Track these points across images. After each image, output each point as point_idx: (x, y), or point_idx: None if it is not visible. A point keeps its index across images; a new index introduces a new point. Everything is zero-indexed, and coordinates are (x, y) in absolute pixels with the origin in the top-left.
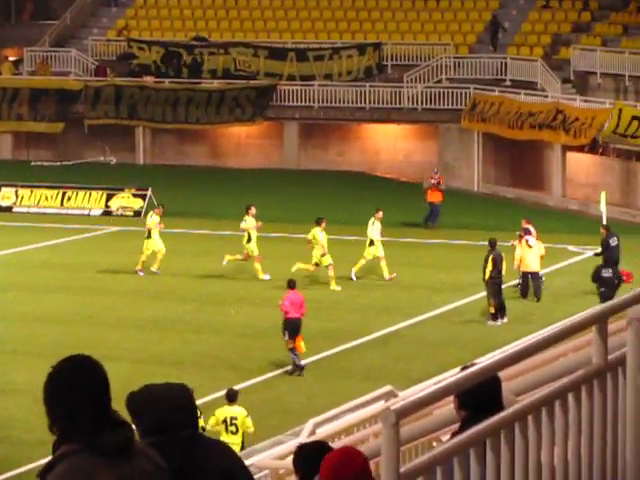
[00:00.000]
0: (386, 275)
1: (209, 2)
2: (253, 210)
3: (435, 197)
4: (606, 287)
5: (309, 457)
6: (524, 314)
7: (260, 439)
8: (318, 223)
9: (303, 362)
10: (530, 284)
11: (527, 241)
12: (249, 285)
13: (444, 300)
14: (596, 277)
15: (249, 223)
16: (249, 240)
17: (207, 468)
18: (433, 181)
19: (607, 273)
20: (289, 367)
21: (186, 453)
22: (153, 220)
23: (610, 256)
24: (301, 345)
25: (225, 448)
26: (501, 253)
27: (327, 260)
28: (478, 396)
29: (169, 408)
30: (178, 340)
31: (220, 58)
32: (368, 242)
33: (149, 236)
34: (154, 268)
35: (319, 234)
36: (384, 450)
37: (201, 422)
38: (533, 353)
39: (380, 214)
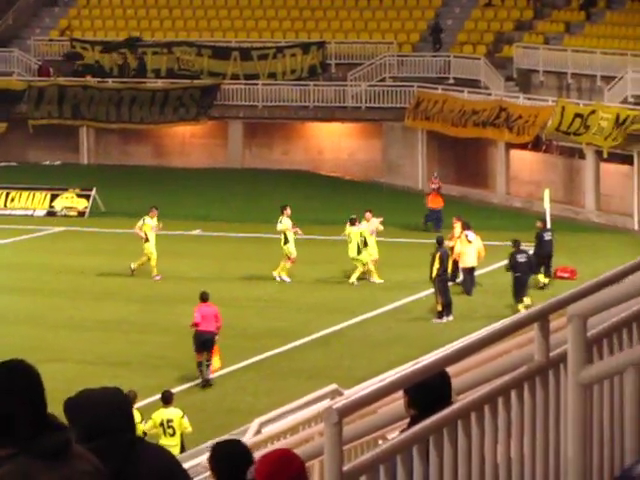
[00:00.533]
0: (376, 279)
1: (152, 1)
2: (288, 211)
3: (436, 202)
4: (521, 272)
5: (223, 457)
6: (469, 311)
7: (206, 438)
8: (352, 223)
9: (250, 360)
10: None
11: (466, 236)
12: (195, 285)
13: (390, 298)
14: (513, 264)
15: (285, 224)
16: (286, 242)
17: (145, 472)
18: (434, 186)
19: (522, 258)
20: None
21: (125, 457)
22: (147, 224)
23: (542, 250)
24: (216, 360)
25: (163, 452)
26: (448, 251)
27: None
28: (427, 394)
29: (106, 413)
30: (124, 340)
31: (164, 57)
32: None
33: (147, 240)
34: (134, 265)
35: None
36: (327, 449)
37: (143, 426)
38: (475, 350)
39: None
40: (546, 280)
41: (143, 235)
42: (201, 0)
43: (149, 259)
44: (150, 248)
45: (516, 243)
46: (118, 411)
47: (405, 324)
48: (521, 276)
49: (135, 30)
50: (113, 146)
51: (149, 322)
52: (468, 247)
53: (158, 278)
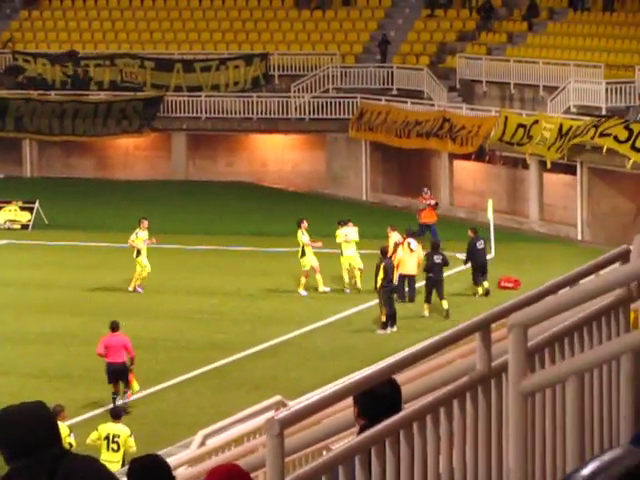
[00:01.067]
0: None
1: (94, 14)
2: (305, 223)
3: (430, 217)
4: (434, 273)
5: (140, 472)
6: (413, 322)
7: (150, 451)
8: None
9: (194, 373)
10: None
11: (409, 244)
12: (137, 297)
13: (335, 309)
14: (429, 265)
15: (300, 237)
16: (303, 254)
17: None
18: (428, 202)
19: (438, 259)
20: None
21: (52, 473)
22: (139, 237)
23: (475, 259)
24: (135, 384)
25: (93, 463)
26: (392, 262)
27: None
28: (376, 403)
29: (28, 429)
30: (66, 353)
31: (106, 70)
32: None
33: (139, 254)
34: (131, 287)
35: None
36: (269, 460)
37: (71, 439)
38: (418, 360)
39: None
40: (485, 285)
41: (138, 247)
42: (144, 12)
43: (141, 271)
44: (143, 261)
45: (434, 245)
46: (41, 427)
47: (349, 335)
48: (433, 277)
49: (78, 42)
50: (56, 159)
51: (91, 335)
52: (410, 255)
53: (140, 290)
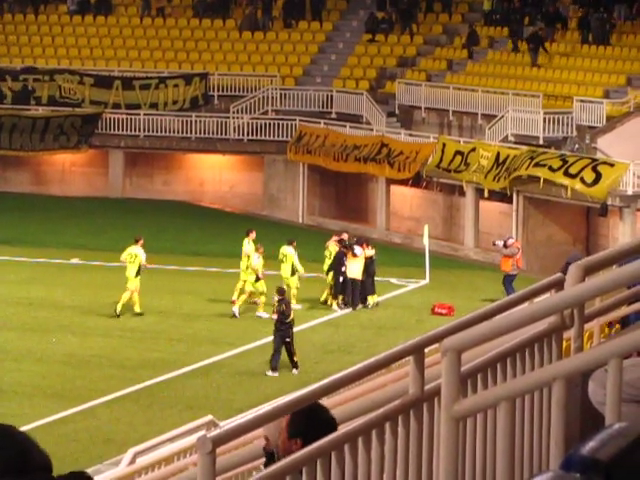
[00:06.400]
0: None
1: (34, 29)
2: (253, 234)
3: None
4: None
5: None
6: (347, 346)
7: (81, 468)
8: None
9: (127, 391)
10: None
11: (352, 249)
12: (72, 314)
13: (268, 331)
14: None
15: (244, 246)
16: (257, 280)
17: None
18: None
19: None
20: None
21: None
22: (139, 256)
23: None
24: None
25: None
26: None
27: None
28: (316, 426)
29: (18, 452)
30: None
31: (45, 85)
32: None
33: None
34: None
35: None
36: (199, 478)
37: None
38: (350, 382)
39: (253, 235)
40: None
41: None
42: (84, 28)
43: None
44: (135, 283)
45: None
46: (27, 450)
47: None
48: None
49: (17, 57)
50: None
51: (24, 350)
52: (353, 261)
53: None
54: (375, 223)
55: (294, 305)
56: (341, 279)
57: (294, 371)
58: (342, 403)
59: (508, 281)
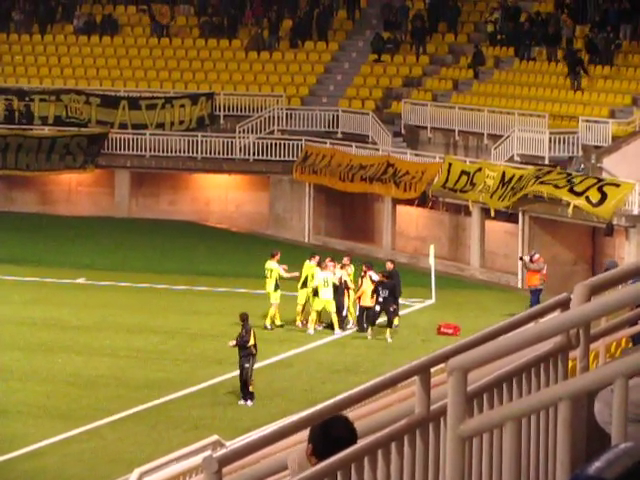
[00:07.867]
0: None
1: (41, 49)
2: (278, 255)
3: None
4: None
5: None
6: (353, 365)
7: None
8: (272, 256)
9: (132, 410)
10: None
11: (370, 277)
12: (78, 334)
13: (274, 351)
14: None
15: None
16: (277, 288)
17: None
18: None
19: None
20: None
21: None
22: (275, 271)
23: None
24: None
25: None
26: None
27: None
28: (329, 443)
29: None
30: (4, 388)
31: (52, 105)
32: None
33: None
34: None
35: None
36: None
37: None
38: (356, 402)
39: (278, 256)
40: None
41: None
42: (90, 48)
43: None
44: (276, 296)
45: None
46: None
47: (289, 376)
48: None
49: (23, 77)
50: None
51: (29, 370)
52: (370, 288)
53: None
54: (381, 243)
55: (309, 330)
56: (377, 308)
57: (248, 403)
58: None
59: (535, 295)
